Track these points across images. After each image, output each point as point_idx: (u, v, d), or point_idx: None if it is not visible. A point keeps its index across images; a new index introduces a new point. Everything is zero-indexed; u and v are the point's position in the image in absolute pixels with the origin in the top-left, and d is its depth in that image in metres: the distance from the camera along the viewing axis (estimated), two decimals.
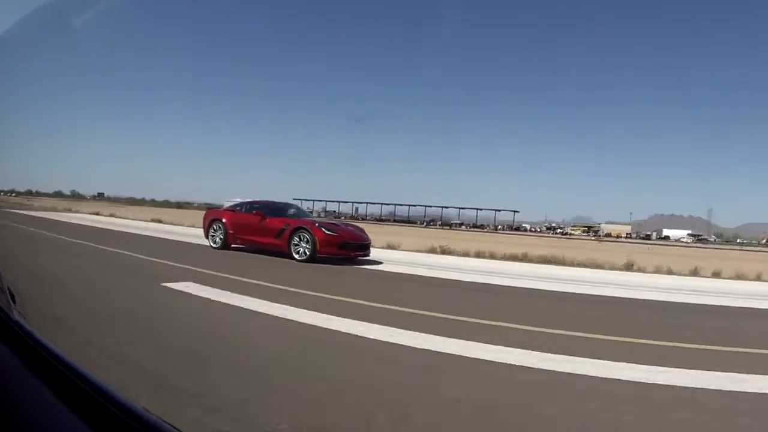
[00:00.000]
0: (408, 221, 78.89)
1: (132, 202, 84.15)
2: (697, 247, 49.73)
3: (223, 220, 9.69)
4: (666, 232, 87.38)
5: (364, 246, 9.11)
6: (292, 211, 10.18)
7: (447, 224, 76.84)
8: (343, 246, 8.47)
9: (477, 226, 77.60)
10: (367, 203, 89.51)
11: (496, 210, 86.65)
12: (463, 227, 73.85)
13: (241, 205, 10.75)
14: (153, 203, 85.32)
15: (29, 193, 62.35)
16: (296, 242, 8.37)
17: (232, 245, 9.43)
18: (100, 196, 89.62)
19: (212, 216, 10.15)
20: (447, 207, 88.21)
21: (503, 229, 74.47)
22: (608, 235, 71.78)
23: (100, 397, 0.69)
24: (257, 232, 9.11)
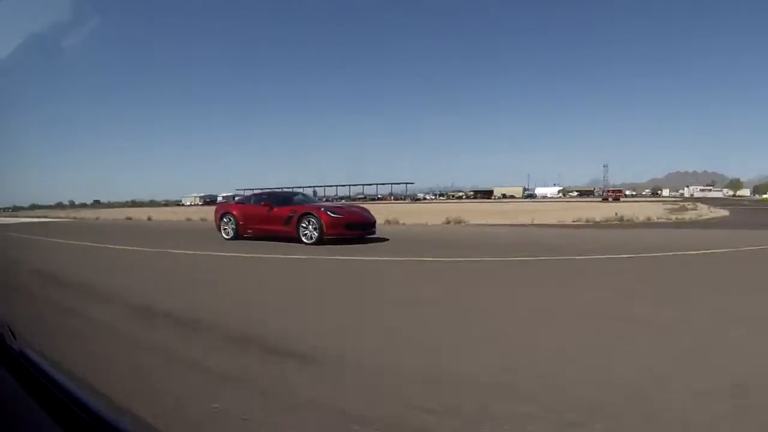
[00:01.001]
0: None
1: (131, 204, 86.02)
2: (547, 201, 57.26)
3: (234, 213, 10.16)
4: (538, 190, 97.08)
5: (369, 224, 9.51)
6: (298, 198, 10.59)
7: (372, 199, 78.68)
8: (348, 226, 8.87)
9: (379, 199, 79.80)
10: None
11: (392, 183, 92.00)
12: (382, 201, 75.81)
13: (249, 197, 11.22)
14: (152, 203, 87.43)
15: (33, 207, 64.02)
16: (304, 226, 8.80)
17: (244, 235, 9.91)
18: (97, 203, 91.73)
19: (222, 210, 10.64)
20: (354, 185, 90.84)
21: (404, 200, 77.31)
22: (504, 195, 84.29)
23: (96, 422, 0.73)
24: (267, 221, 9.55)
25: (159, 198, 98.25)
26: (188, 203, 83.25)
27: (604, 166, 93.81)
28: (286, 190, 11.16)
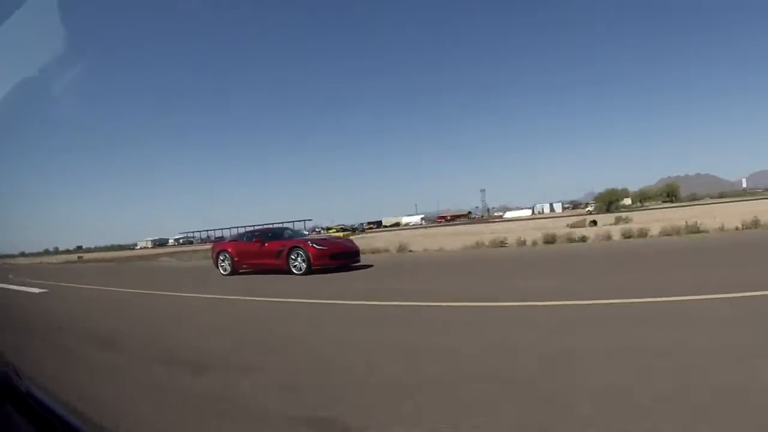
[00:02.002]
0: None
1: (109, 248, 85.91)
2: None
3: (229, 250, 11.21)
4: (405, 219, 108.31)
5: (353, 253, 10.60)
6: (287, 233, 11.67)
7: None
8: (333, 257, 9.93)
9: None
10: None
11: (294, 221, 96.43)
12: None
13: (242, 234, 12.29)
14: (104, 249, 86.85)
15: (22, 254, 64.45)
16: (293, 258, 9.84)
17: (239, 270, 10.91)
18: (79, 249, 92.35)
19: (219, 248, 11.70)
20: (264, 224, 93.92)
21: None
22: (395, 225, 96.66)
23: None
24: (259, 256, 10.59)
25: (110, 243, 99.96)
26: (140, 246, 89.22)
27: (481, 191, 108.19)
28: (275, 226, 12.19)
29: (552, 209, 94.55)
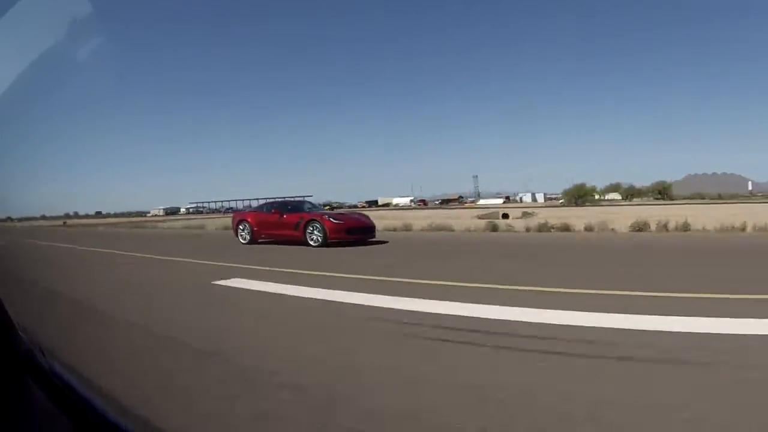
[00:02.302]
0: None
1: (125, 214, 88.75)
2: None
3: (248, 220, 11.46)
4: (395, 200, 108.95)
5: (369, 229, 10.67)
6: (306, 206, 11.83)
7: None
8: (349, 231, 10.04)
9: None
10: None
11: (295, 197, 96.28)
12: None
13: (261, 206, 12.54)
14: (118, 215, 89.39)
15: (43, 217, 67.10)
16: (310, 231, 10.01)
17: (258, 240, 11.17)
18: (98, 214, 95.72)
19: (239, 217, 11.98)
20: (264, 198, 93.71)
21: None
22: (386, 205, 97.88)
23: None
24: (278, 227, 10.81)
25: (124, 210, 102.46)
26: (152, 214, 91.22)
27: (473, 177, 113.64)
28: (296, 198, 12.35)
29: (534, 199, 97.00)
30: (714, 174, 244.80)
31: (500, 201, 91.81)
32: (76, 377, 0.94)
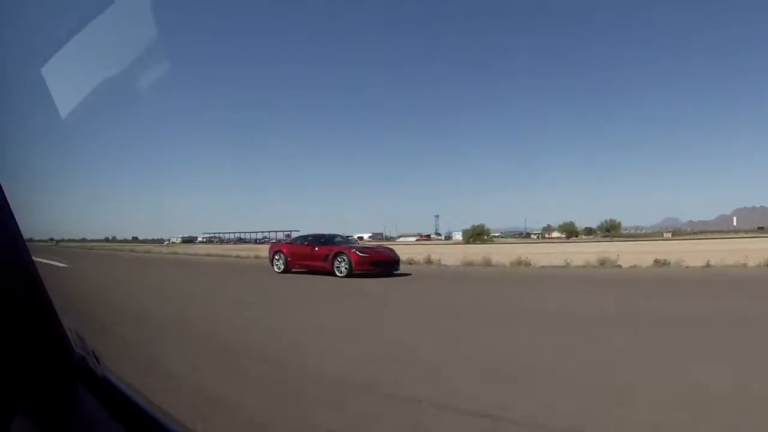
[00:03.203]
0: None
1: (149, 241, 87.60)
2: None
3: (283, 251, 12.59)
4: (401, 238, 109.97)
5: (393, 262, 11.49)
6: (337, 239, 12.81)
7: None
8: (373, 264, 10.91)
9: None
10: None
11: (283, 231, 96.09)
12: None
13: (295, 239, 13.69)
14: (134, 241, 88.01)
15: (84, 240, 67.27)
16: (338, 263, 10.94)
17: (292, 269, 12.21)
18: (135, 240, 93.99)
19: (275, 249, 13.19)
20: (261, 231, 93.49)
21: None
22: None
23: None
24: (309, 258, 11.85)
25: (139, 237, 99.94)
26: (171, 242, 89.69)
27: (435, 216, 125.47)
28: (327, 233, 13.40)
29: (449, 237, 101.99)
30: (762, 207, 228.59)
31: (413, 239, 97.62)
32: (130, 387, 0.98)
